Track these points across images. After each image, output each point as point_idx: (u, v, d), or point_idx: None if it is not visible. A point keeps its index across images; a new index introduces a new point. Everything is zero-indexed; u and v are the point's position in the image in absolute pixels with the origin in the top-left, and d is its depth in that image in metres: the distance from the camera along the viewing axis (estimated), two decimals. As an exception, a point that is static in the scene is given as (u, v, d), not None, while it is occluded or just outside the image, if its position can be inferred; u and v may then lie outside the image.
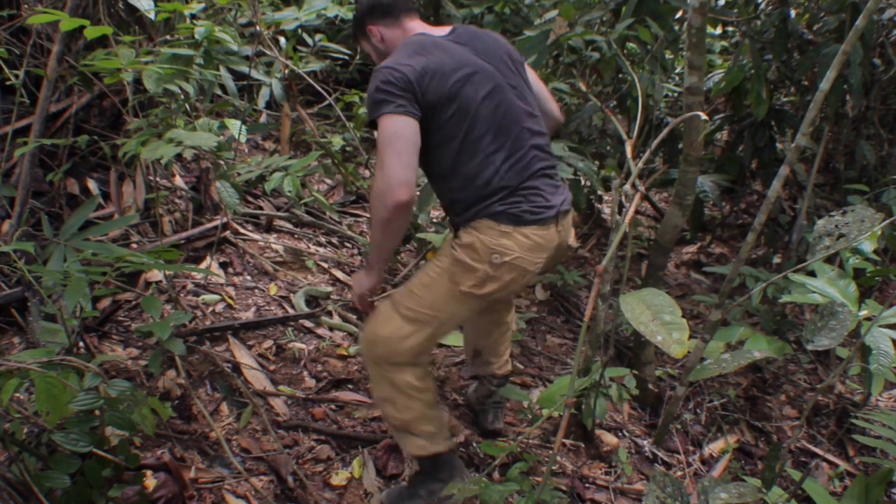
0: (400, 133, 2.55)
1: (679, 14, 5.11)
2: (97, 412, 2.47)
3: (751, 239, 3.01)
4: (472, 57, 2.79)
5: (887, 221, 2.58)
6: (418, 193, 4.22)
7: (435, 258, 2.93)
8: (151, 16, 3.95)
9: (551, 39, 4.49)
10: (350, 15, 5.11)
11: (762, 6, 5.65)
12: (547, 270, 3.13)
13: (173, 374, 3.57)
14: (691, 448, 4.06)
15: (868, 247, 4.01)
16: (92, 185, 4.44)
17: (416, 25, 2.94)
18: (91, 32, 3.15)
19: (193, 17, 4.51)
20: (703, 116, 2.36)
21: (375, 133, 2.60)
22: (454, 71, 2.68)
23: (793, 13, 5.33)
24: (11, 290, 3.66)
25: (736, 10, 5.82)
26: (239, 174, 3.60)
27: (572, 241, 3.05)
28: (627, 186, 2.40)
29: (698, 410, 4.34)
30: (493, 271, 2.74)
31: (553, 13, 4.74)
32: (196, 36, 3.77)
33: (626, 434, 3.99)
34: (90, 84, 4.18)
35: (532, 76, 3.09)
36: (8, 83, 3.90)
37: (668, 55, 5.17)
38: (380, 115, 2.56)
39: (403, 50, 2.73)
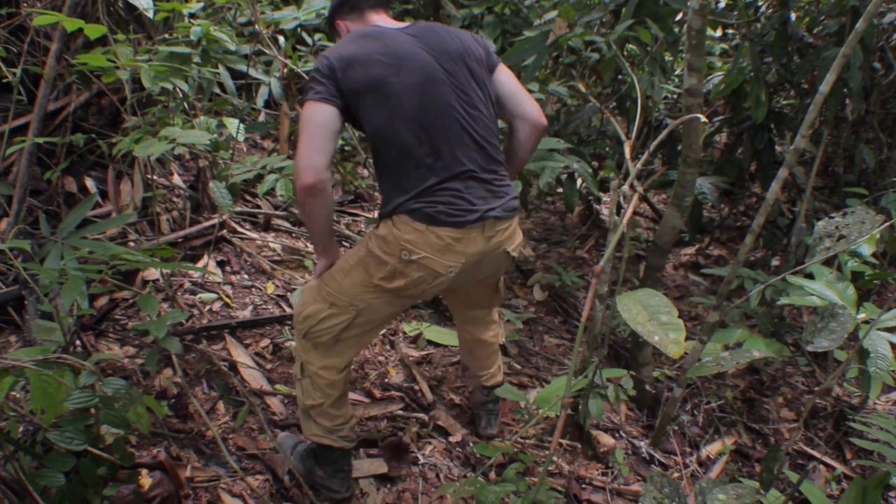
0: (312, 119, 2.56)
1: (679, 16, 5.11)
2: (92, 410, 2.46)
3: (749, 241, 3.00)
4: (413, 48, 2.71)
5: (887, 224, 2.58)
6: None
7: (355, 246, 2.93)
8: (150, 15, 3.94)
9: (550, 40, 4.49)
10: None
11: (762, 9, 5.65)
12: (479, 277, 3.02)
13: (170, 373, 3.57)
14: (688, 449, 4.05)
15: (867, 250, 4.01)
16: (90, 183, 4.43)
17: (378, 19, 2.91)
18: (91, 32, 3.15)
19: (192, 16, 4.51)
20: (703, 119, 2.36)
21: None
22: (381, 60, 2.62)
23: (793, 16, 5.33)
24: (9, 288, 3.66)
25: (736, 13, 5.82)
26: (234, 174, 3.59)
27: (512, 249, 2.92)
28: (626, 187, 2.40)
29: (696, 412, 4.33)
30: (402, 267, 2.69)
31: (553, 14, 4.73)
32: (192, 36, 3.76)
33: (623, 435, 3.98)
34: (89, 82, 4.18)
35: (505, 77, 2.97)
36: (5, 81, 3.90)
37: (668, 57, 5.16)
38: (305, 101, 2.58)
39: (343, 40, 2.74)
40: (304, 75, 4.91)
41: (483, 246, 2.76)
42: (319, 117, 2.56)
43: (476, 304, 3.43)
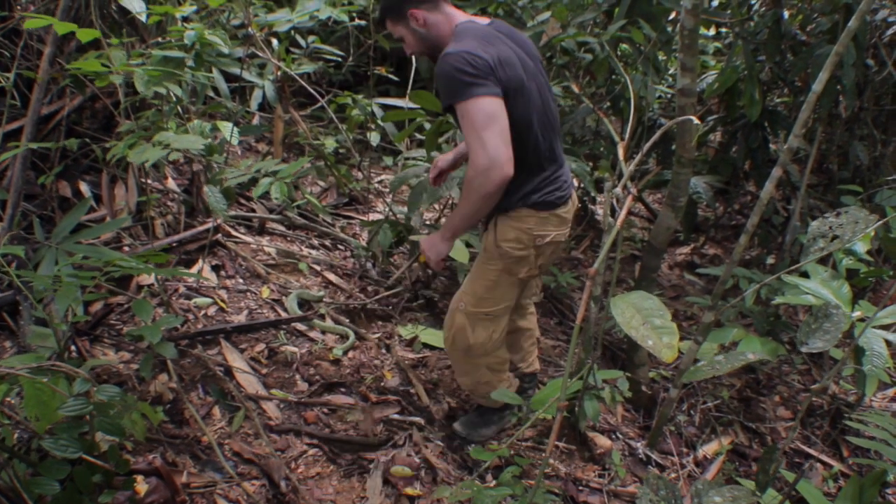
0: (497, 113, 2.67)
1: (672, 15, 5.11)
2: (87, 417, 2.45)
3: (743, 241, 3.00)
4: (520, 51, 2.92)
5: (881, 222, 2.57)
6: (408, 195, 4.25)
7: (483, 261, 3.22)
8: (143, 18, 3.93)
9: (544, 41, 4.49)
10: (343, 17, 5.11)
11: (755, 7, 5.65)
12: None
13: (165, 378, 3.56)
14: (685, 450, 4.05)
15: (861, 248, 4.01)
16: (84, 187, 4.43)
17: (456, 11, 2.99)
18: (83, 35, 3.13)
19: (185, 19, 4.50)
20: (695, 121, 2.36)
21: (454, 116, 2.80)
22: (517, 63, 2.82)
23: (786, 14, 5.33)
24: (3, 293, 3.65)
25: (729, 12, 5.82)
26: (229, 178, 3.58)
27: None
28: (619, 190, 2.40)
29: (692, 412, 4.33)
30: (538, 251, 3.12)
31: (546, 15, 4.73)
32: (186, 40, 3.75)
33: (620, 436, 3.98)
34: (82, 86, 4.17)
35: None
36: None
37: (661, 56, 5.17)
38: (470, 97, 2.65)
39: (467, 37, 2.78)
40: (297, 78, 4.91)
41: (574, 207, 3.24)
42: (501, 111, 2.69)
43: (530, 291, 3.74)
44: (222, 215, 3.61)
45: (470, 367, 3.45)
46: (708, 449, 4.07)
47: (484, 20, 2.98)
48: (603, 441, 3.86)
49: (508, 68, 2.75)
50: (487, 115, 2.65)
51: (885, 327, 3.36)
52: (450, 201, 5.25)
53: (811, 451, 4.19)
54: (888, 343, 3.32)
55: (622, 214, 2.36)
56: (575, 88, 4.45)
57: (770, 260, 5.81)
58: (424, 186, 4.10)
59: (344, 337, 4.28)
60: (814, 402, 4.59)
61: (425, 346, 4.40)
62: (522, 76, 2.82)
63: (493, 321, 3.28)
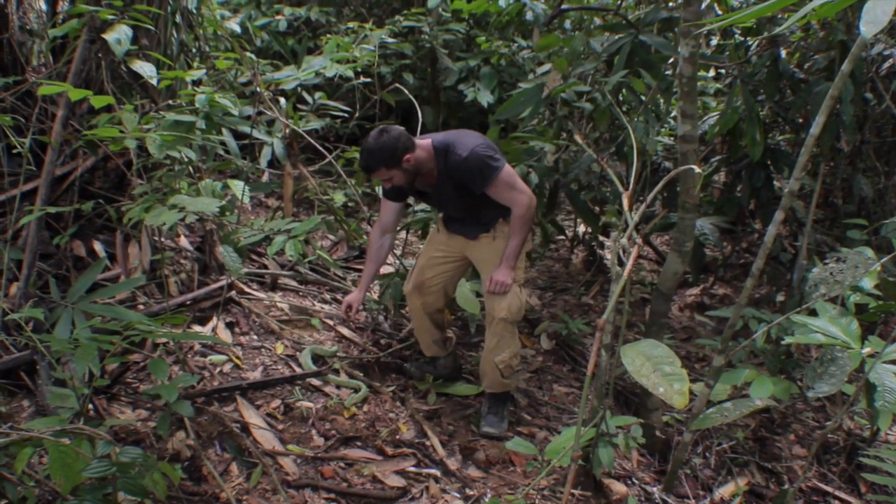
0: (515, 174, 3.93)
1: (672, 59, 5.18)
2: (109, 478, 2.49)
3: (750, 284, 3.04)
4: None
5: (888, 257, 2.61)
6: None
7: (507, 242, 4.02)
8: (154, 82, 4.03)
9: (545, 93, 4.57)
10: (348, 73, 5.20)
11: (753, 48, 5.72)
12: None
13: (182, 436, 3.59)
14: (701, 493, 4.05)
15: (868, 284, 4.02)
16: (98, 247, 4.49)
17: (420, 140, 3.90)
18: (97, 101, 3.23)
19: (196, 82, 4.59)
20: (697, 169, 2.41)
21: (490, 189, 3.82)
22: None
23: (783, 53, 5.39)
24: (20, 353, 3.69)
25: (727, 53, 5.89)
26: (243, 237, 3.64)
27: None
28: (625, 240, 2.44)
29: (707, 454, 4.33)
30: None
31: (547, 66, 4.81)
32: (197, 104, 3.83)
33: (636, 482, 3.98)
34: (95, 148, 4.25)
35: None
36: (14, 151, 3.97)
37: (661, 101, 5.23)
38: (498, 170, 3.77)
39: (464, 138, 3.85)
40: (305, 135, 4.99)
41: None
42: (515, 173, 3.96)
43: None
44: (238, 274, 3.67)
45: (511, 337, 4.14)
46: (724, 491, 4.06)
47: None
48: (619, 487, 3.86)
49: None
50: (512, 174, 3.87)
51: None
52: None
53: (828, 488, 4.18)
54: (900, 377, 3.31)
55: (629, 264, 2.41)
56: (578, 139, 4.51)
57: (779, 297, 5.82)
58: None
59: (356, 390, 4.30)
60: (829, 438, 4.58)
61: (439, 394, 4.43)
62: None
63: (524, 288, 4.19)
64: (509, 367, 4.14)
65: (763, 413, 4.74)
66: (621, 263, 2.85)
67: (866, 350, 3.39)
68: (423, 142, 3.88)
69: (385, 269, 5.69)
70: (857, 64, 4.86)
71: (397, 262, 5.03)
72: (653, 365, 2.31)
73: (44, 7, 4.97)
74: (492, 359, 4.13)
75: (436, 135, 3.96)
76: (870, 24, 1.90)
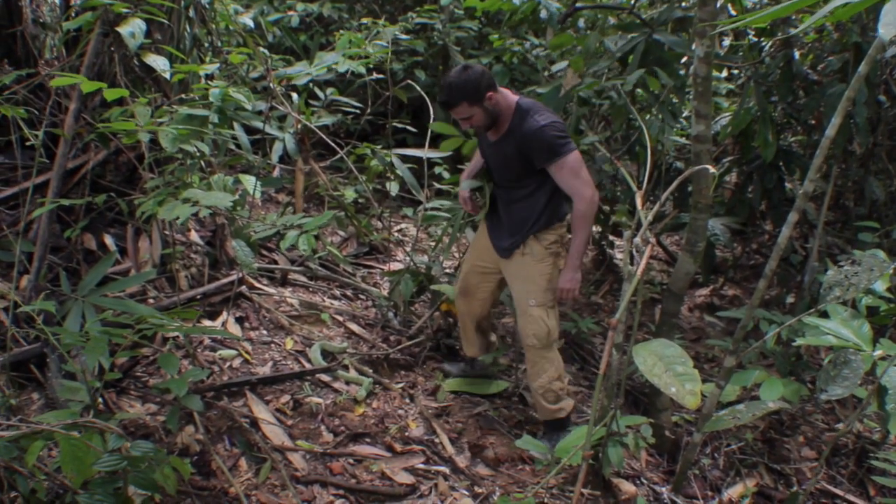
0: (582, 162, 3.74)
1: (684, 59, 5.17)
2: (120, 472, 2.50)
3: (762, 285, 3.03)
4: None
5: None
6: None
7: (533, 264, 3.93)
8: (167, 76, 4.03)
9: (563, 92, 4.56)
10: (361, 69, 5.20)
11: (767, 49, 5.70)
12: None
13: (192, 430, 3.59)
14: (710, 493, 4.04)
15: (881, 286, 4.00)
16: (109, 240, 4.49)
17: (505, 90, 3.81)
18: (110, 94, 3.22)
19: (208, 76, 4.59)
20: (711, 169, 2.40)
21: (554, 168, 3.70)
22: None
23: (797, 55, 5.38)
24: (30, 345, 3.69)
25: (741, 54, 5.88)
26: (255, 232, 3.64)
27: None
28: (638, 240, 2.44)
29: (716, 455, 4.32)
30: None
31: (562, 64, 4.80)
32: (211, 98, 3.83)
33: (645, 482, 3.98)
34: (107, 141, 4.25)
35: None
36: (27, 144, 3.98)
37: (675, 100, 5.22)
38: (568, 152, 3.65)
39: (543, 110, 3.73)
40: (316, 130, 4.99)
41: None
42: (581, 159, 3.75)
43: None
44: (250, 268, 3.66)
45: (546, 361, 3.99)
46: (733, 492, 4.06)
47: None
48: (628, 487, 3.86)
49: None
50: (580, 162, 3.71)
51: (908, 365, 3.34)
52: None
53: (837, 491, 4.17)
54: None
55: (642, 264, 2.40)
56: (592, 137, 4.50)
57: (790, 299, 5.81)
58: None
59: (359, 384, 4.32)
60: (839, 441, 4.57)
61: (453, 393, 4.44)
62: None
63: (555, 308, 4.01)
64: (551, 391, 4.00)
65: (772, 415, 4.73)
66: (633, 263, 2.84)
67: (878, 353, 3.38)
68: (508, 93, 3.79)
69: (394, 265, 5.70)
70: (872, 67, 4.84)
71: (407, 258, 5.03)
72: (665, 365, 2.30)
73: (57, 0, 4.97)
74: (532, 384, 4.06)
75: (520, 97, 3.81)
76: (889, 26, 1.89)
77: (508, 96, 3.76)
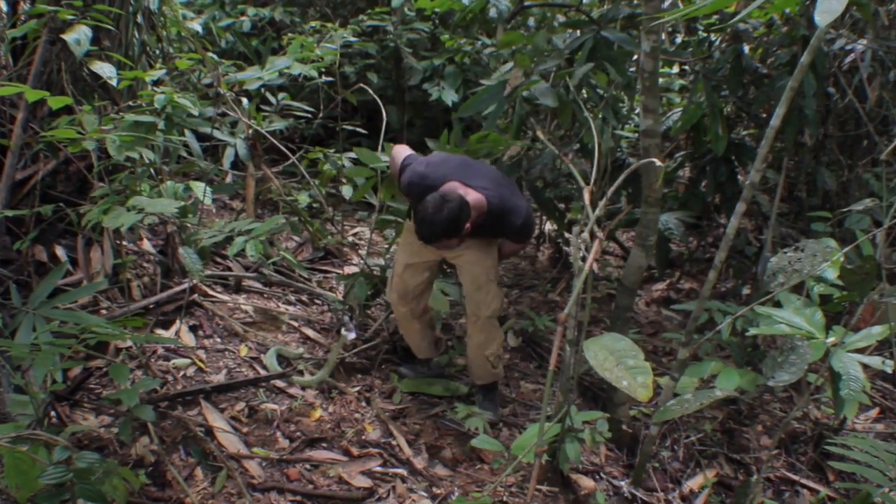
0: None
1: (635, 56, 5.19)
2: (68, 485, 2.46)
3: (712, 277, 3.05)
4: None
5: (851, 246, 2.62)
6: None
7: (483, 245, 4.10)
8: (114, 83, 3.98)
9: (508, 91, 4.56)
10: (312, 73, 5.17)
11: (716, 43, 5.74)
12: None
13: (146, 441, 3.55)
14: (670, 485, 4.06)
15: (831, 274, 4.03)
16: (60, 251, 4.42)
17: (469, 190, 3.77)
18: (55, 102, 3.18)
19: (156, 82, 4.54)
20: (658, 163, 2.41)
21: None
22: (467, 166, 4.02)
23: (746, 49, 5.42)
24: (-21, 360, 3.63)
25: (690, 49, 5.91)
26: (204, 239, 3.61)
27: None
28: (586, 234, 2.44)
29: (675, 447, 4.34)
30: None
31: (509, 65, 4.80)
32: (156, 104, 3.80)
33: (604, 476, 3.99)
34: (56, 151, 4.20)
35: None
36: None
37: (624, 97, 5.25)
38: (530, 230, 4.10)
39: (514, 199, 3.92)
40: (267, 135, 4.96)
41: None
42: None
43: None
44: (198, 276, 3.63)
45: (496, 330, 4.26)
46: (693, 483, 4.08)
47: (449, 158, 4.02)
48: (587, 482, 3.87)
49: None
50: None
51: (861, 350, 3.38)
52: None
53: (796, 477, 4.21)
54: (864, 366, 3.33)
55: (591, 258, 2.40)
56: (540, 135, 4.50)
57: (745, 291, 5.85)
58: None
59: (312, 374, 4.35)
60: (797, 428, 4.62)
61: (411, 394, 4.43)
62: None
63: (498, 285, 4.24)
64: (497, 356, 4.28)
65: (730, 405, 4.76)
66: (584, 258, 2.85)
67: (831, 340, 3.41)
68: (477, 198, 3.75)
69: (350, 269, 5.67)
70: (820, 59, 4.89)
71: (362, 262, 5.01)
72: (616, 358, 2.31)
73: (4, 8, 4.89)
74: (481, 353, 4.23)
75: (487, 191, 3.80)
76: (824, 14, 1.91)
77: (478, 205, 3.74)
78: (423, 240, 3.70)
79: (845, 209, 4.68)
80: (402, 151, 4.11)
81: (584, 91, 4.79)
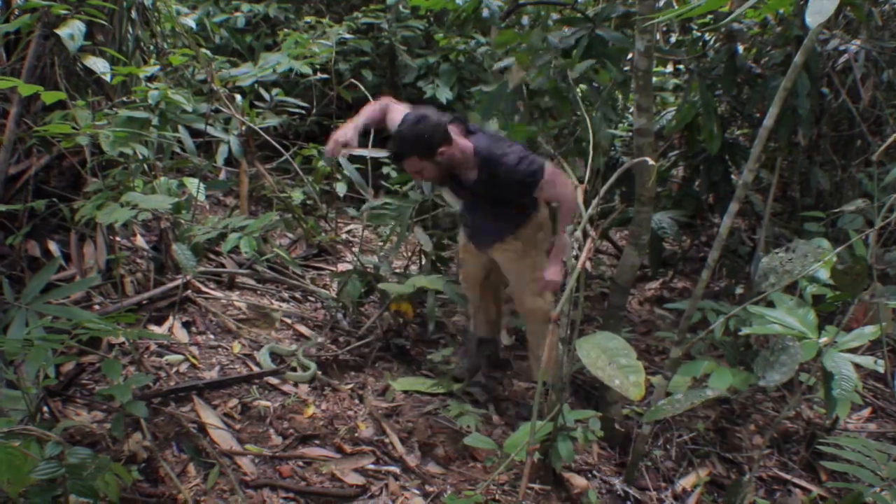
0: (556, 170, 3.80)
1: (630, 55, 5.20)
2: (60, 480, 2.46)
3: (705, 276, 3.05)
4: None
5: (843, 247, 2.62)
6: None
7: (521, 257, 4.11)
8: (108, 78, 3.97)
9: (513, 85, 4.57)
10: (306, 69, 5.17)
11: (710, 43, 5.76)
12: None
13: (139, 437, 3.54)
14: (663, 484, 4.07)
15: (824, 274, 4.04)
16: (53, 246, 4.41)
17: (460, 138, 3.79)
18: (48, 97, 3.17)
19: (150, 78, 4.53)
20: (651, 161, 2.42)
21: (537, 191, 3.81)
22: None
23: (740, 48, 5.43)
24: (-27, 356, 3.62)
25: (684, 49, 5.92)
26: (197, 235, 3.60)
27: None
28: (578, 233, 2.44)
29: (668, 446, 4.35)
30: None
31: (507, 61, 4.80)
32: (150, 99, 3.79)
33: (597, 475, 3.99)
34: (49, 146, 4.18)
35: None
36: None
37: (619, 95, 5.25)
38: (543, 175, 3.72)
39: (499, 148, 3.76)
40: (260, 132, 4.95)
41: None
42: (554, 168, 3.83)
43: None
44: (192, 272, 3.63)
45: (543, 330, 4.12)
46: (686, 482, 4.09)
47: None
48: (579, 481, 3.87)
49: None
50: (555, 172, 3.75)
51: (853, 350, 3.38)
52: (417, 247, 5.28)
53: (788, 476, 4.22)
54: (856, 366, 3.34)
55: (584, 256, 2.40)
56: (538, 133, 4.51)
57: (739, 290, 5.86)
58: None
59: (305, 369, 4.36)
60: (790, 427, 4.63)
61: (403, 392, 4.42)
62: None
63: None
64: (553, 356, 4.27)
65: (723, 404, 4.77)
66: (577, 257, 2.85)
67: (823, 339, 3.42)
68: (463, 142, 3.78)
69: (343, 266, 5.67)
70: (814, 59, 4.91)
71: (355, 259, 5.01)
72: (608, 357, 2.31)
73: (-2, 2, 4.89)
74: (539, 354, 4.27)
75: (475, 136, 3.84)
76: (815, 15, 1.91)
77: (464, 146, 3.76)
78: (392, 155, 3.81)
79: (838, 209, 4.70)
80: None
81: (580, 88, 4.80)
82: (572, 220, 3.67)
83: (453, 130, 3.73)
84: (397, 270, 5.10)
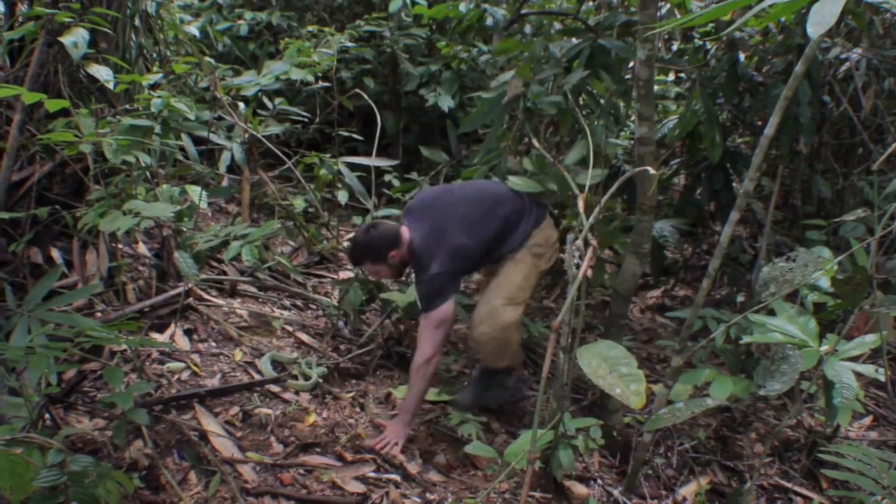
0: (446, 323, 3.98)
1: (632, 64, 5.21)
2: (62, 488, 2.46)
3: (706, 285, 3.05)
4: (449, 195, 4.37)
5: (844, 255, 2.62)
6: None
7: (512, 265, 4.14)
8: (111, 86, 3.99)
9: (507, 99, 4.57)
10: (309, 78, 5.18)
11: (712, 51, 5.77)
12: None
13: (140, 445, 3.54)
14: (663, 492, 4.07)
15: (825, 283, 4.04)
16: (55, 254, 4.42)
17: (405, 231, 4.04)
18: (52, 105, 3.18)
19: (153, 86, 4.55)
20: (651, 171, 2.42)
21: (421, 316, 3.98)
22: (446, 217, 4.11)
23: (742, 57, 5.45)
24: (-27, 362, 3.63)
25: (686, 58, 5.93)
26: (199, 243, 3.61)
27: None
28: (579, 242, 2.45)
29: (669, 454, 4.35)
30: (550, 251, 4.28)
31: (509, 74, 4.81)
32: (153, 108, 3.80)
33: (597, 483, 3.99)
34: (52, 153, 4.20)
35: None
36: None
37: (621, 104, 5.26)
38: (433, 311, 3.90)
39: (432, 255, 3.90)
40: (263, 140, 4.96)
41: (553, 229, 4.44)
42: (447, 318, 3.99)
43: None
44: (193, 280, 3.63)
45: (504, 344, 4.11)
46: (686, 490, 4.09)
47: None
48: (580, 489, 3.87)
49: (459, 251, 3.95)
50: (443, 322, 3.90)
51: (854, 359, 3.39)
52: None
53: (789, 485, 4.21)
54: (857, 374, 3.34)
55: (585, 265, 2.41)
56: (536, 144, 4.51)
57: (740, 298, 5.87)
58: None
59: (307, 377, 4.38)
60: (791, 436, 4.63)
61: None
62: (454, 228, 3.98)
63: (520, 306, 4.14)
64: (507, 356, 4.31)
65: (725, 412, 4.77)
66: (577, 265, 2.85)
67: (824, 348, 3.42)
68: (408, 235, 4.01)
69: (345, 274, 5.68)
70: (815, 67, 4.92)
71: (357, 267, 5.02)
72: (609, 366, 2.31)
73: (1, 9, 4.90)
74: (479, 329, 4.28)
75: (421, 233, 3.99)
76: (816, 25, 1.92)
77: (409, 239, 3.99)
78: (350, 260, 4.26)
79: (839, 218, 4.70)
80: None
81: (581, 98, 4.81)
82: (419, 384, 3.95)
83: (404, 230, 4.02)
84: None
